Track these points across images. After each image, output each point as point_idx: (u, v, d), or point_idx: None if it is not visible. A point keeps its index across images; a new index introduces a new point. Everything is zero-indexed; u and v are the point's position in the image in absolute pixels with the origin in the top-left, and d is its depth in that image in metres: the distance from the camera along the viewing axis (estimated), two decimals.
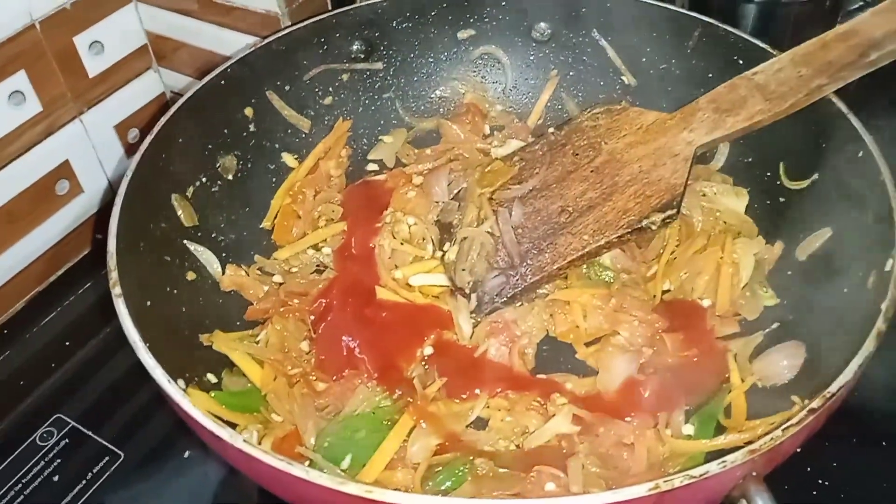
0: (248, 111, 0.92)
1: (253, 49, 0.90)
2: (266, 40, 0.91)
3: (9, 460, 0.81)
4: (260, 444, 0.67)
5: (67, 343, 0.93)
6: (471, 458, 0.69)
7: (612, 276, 0.84)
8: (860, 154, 0.74)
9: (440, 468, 0.68)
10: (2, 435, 0.84)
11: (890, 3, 0.76)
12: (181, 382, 0.66)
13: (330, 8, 1.03)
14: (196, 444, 0.79)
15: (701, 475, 0.53)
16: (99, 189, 1.07)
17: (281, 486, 0.58)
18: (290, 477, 0.53)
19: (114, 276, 0.66)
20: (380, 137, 1.01)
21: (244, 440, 0.54)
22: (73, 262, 1.05)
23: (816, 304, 0.76)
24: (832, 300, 0.73)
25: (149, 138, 0.80)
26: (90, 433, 0.84)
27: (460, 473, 0.67)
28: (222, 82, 0.88)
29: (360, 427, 0.71)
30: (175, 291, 0.78)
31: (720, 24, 0.89)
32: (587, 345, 0.81)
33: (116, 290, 0.66)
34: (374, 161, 1.01)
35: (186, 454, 0.80)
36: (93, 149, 1.05)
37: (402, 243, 0.88)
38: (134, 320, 0.64)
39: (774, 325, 0.79)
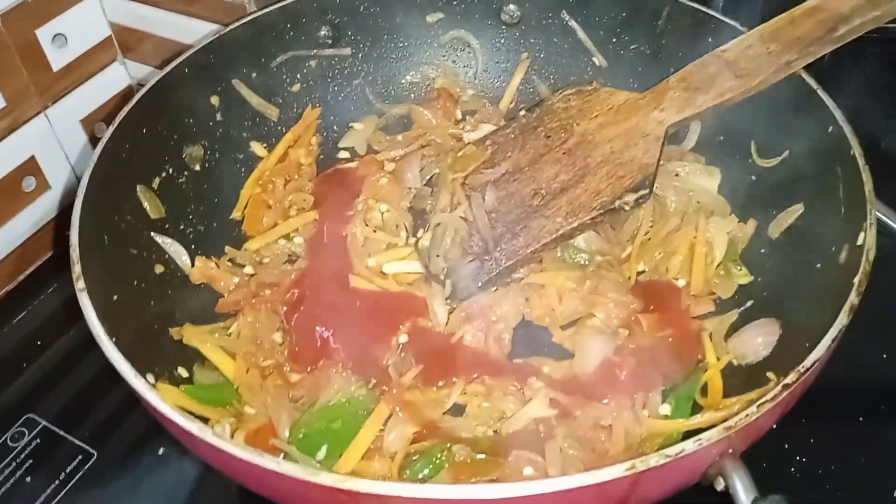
0: (215, 100, 0.90)
1: (217, 36, 0.88)
2: (230, 27, 0.89)
3: None
4: (233, 437, 0.67)
5: (38, 342, 0.92)
6: (448, 445, 0.69)
7: (586, 258, 0.84)
8: (830, 129, 0.74)
9: (417, 456, 0.68)
10: None
11: None
12: (150, 377, 0.65)
13: None
14: (170, 440, 0.78)
15: (677, 454, 0.53)
16: (67, 184, 1.05)
17: (255, 479, 0.57)
18: (263, 470, 0.52)
19: (77, 269, 0.65)
20: (350, 124, 1.00)
21: (214, 433, 0.53)
22: (42, 260, 1.03)
23: (790, 280, 0.77)
24: (805, 276, 0.74)
25: (110, 129, 0.78)
26: (62, 433, 0.82)
27: (438, 461, 0.67)
28: (186, 70, 0.86)
29: (335, 417, 0.70)
30: (143, 285, 0.77)
31: (689, 3, 0.88)
32: (563, 328, 0.81)
33: (80, 285, 0.64)
34: (345, 149, 0.99)
35: (161, 451, 0.79)
36: (59, 144, 1.03)
37: (374, 231, 0.87)
38: (100, 315, 0.62)
39: (749, 303, 0.79)
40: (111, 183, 0.76)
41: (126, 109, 0.80)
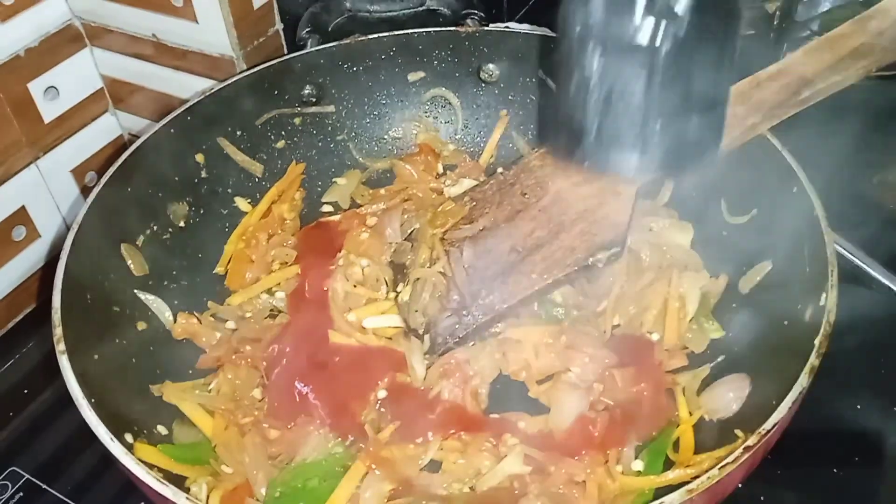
0: (200, 157, 0.92)
1: (203, 97, 0.91)
2: (215, 88, 0.92)
3: None
4: (209, 496, 0.67)
5: (24, 392, 0.92)
6: (424, 502, 0.69)
7: (562, 312, 0.85)
8: (794, 190, 0.76)
9: None
10: None
11: (820, 43, 0.79)
12: (129, 436, 0.66)
13: (286, 50, 1.04)
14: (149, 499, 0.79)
15: None
16: (57, 233, 1.06)
17: None
18: None
19: (58, 332, 0.66)
20: (333, 179, 1.02)
21: (187, 498, 0.54)
22: (30, 309, 1.04)
23: (760, 336, 0.78)
24: (774, 333, 0.75)
25: (96, 189, 0.80)
26: (44, 486, 0.82)
27: None
28: (172, 130, 0.88)
29: (311, 475, 0.71)
30: (124, 342, 0.78)
31: None
32: (539, 382, 0.82)
33: (60, 347, 0.65)
34: (328, 203, 1.01)
35: None
36: (49, 193, 1.05)
37: (355, 286, 0.88)
38: (79, 376, 0.63)
39: (721, 358, 0.80)
40: (95, 243, 0.78)
41: (112, 170, 0.82)
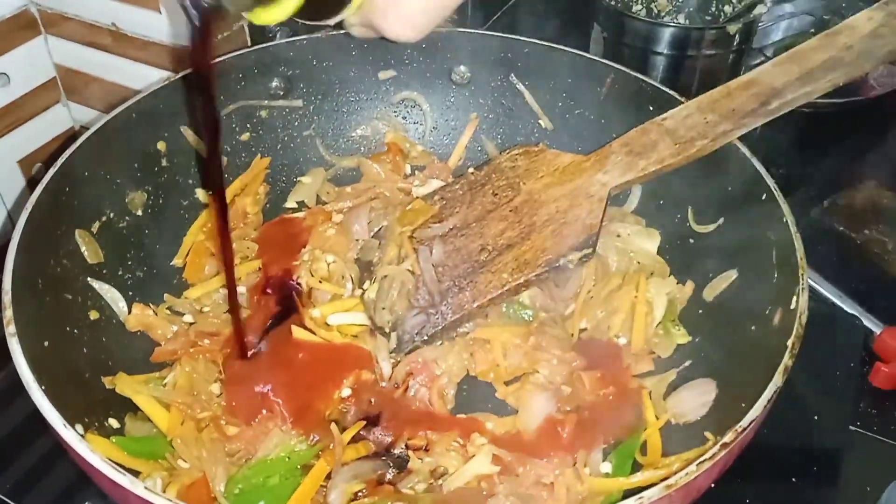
0: (161, 145, 0.89)
1: (167, 82, 0.88)
2: (181, 73, 0.89)
3: None
4: (164, 491, 0.64)
5: None
6: (389, 502, 0.67)
7: (531, 314, 0.85)
8: (763, 197, 0.78)
9: None
10: None
11: (788, 55, 0.81)
12: (79, 427, 0.62)
13: (250, 44, 1.02)
14: (96, 495, 0.74)
15: None
16: (0, 224, 1.03)
17: None
18: None
19: (8, 314, 0.62)
20: (298, 178, 0.99)
21: (146, 487, 0.51)
22: None
23: (727, 341, 0.78)
24: (741, 338, 0.76)
25: (52, 171, 0.76)
26: None
27: None
28: (133, 115, 0.85)
29: (272, 472, 0.68)
30: (76, 331, 0.74)
31: (631, 72, 0.92)
32: (507, 384, 0.81)
33: (10, 329, 0.61)
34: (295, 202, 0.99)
35: None
36: None
37: (320, 281, 0.86)
38: (29, 362, 0.60)
39: (687, 363, 0.80)
40: (49, 225, 0.74)
41: (69, 151, 0.79)
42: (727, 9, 1.25)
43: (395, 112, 1.03)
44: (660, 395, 0.79)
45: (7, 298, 0.63)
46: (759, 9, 1.20)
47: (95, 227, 0.81)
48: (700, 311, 0.84)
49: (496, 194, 0.87)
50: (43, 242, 0.73)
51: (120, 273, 0.82)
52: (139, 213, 0.86)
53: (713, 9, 1.26)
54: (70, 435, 0.55)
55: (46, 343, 0.66)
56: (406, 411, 0.76)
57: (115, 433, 0.69)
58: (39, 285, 0.71)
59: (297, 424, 0.73)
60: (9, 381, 0.85)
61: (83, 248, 0.78)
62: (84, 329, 0.75)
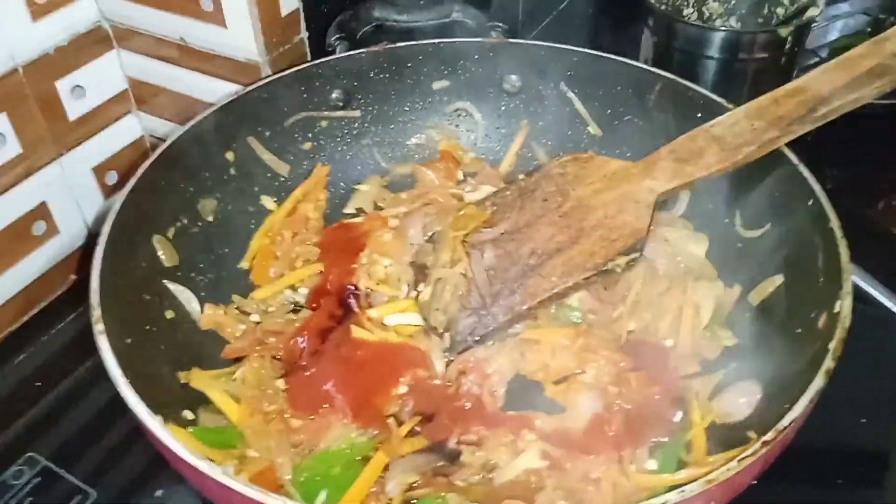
0: (230, 155, 0.95)
1: (236, 96, 0.93)
2: (249, 87, 0.95)
3: None
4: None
5: (39, 383, 0.94)
6: (443, 494, 0.71)
7: (579, 316, 0.87)
8: (810, 203, 0.79)
9: (415, 502, 0.70)
10: None
11: (837, 62, 0.82)
12: (159, 419, 0.68)
13: (309, 57, 1.07)
14: (168, 482, 0.80)
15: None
16: (75, 230, 1.08)
17: None
18: None
19: (97, 313, 0.68)
20: (355, 186, 1.04)
21: (224, 472, 0.55)
22: (47, 302, 1.05)
23: (772, 344, 0.80)
24: (786, 340, 0.77)
25: (132, 181, 0.82)
26: (62, 472, 0.83)
27: None
28: (205, 127, 0.91)
29: (334, 463, 0.72)
30: (154, 329, 0.80)
31: (680, 80, 0.94)
32: (555, 383, 0.83)
33: (99, 327, 0.67)
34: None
35: (159, 493, 0.80)
36: (70, 190, 1.06)
37: (377, 284, 0.90)
38: (116, 357, 0.65)
39: (733, 365, 0.82)
40: (130, 232, 0.80)
41: (148, 162, 0.84)
42: (780, 11, 1.24)
43: (448, 121, 1.07)
44: (705, 396, 0.80)
45: (96, 298, 0.69)
46: (812, 11, 1.19)
47: (171, 232, 0.87)
48: (746, 315, 0.85)
49: (546, 200, 0.90)
50: (125, 248, 0.79)
51: (193, 275, 0.88)
52: (210, 218, 0.92)
53: (766, 11, 1.25)
54: (154, 424, 0.61)
55: (128, 340, 0.72)
56: (459, 408, 0.79)
57: (189, 424, 0.75)
58: (122, 287, 0.76)
59: (357, 419, 0.78)
60: (85, 375, 0.93)
61: (160, 252, 0.84)
62: (161, 327, 0.81)
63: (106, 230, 0.76)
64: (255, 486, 0.55)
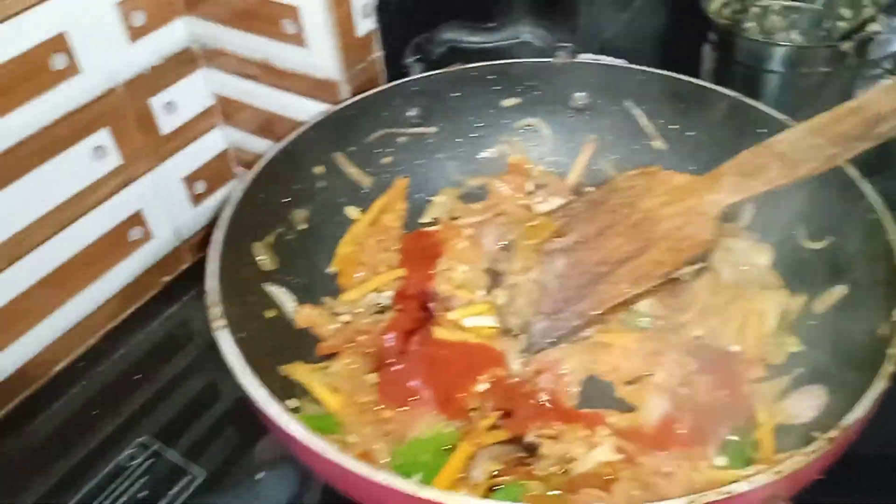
0: (319, 169, 1.02)
1: (325, 116, 1.01)
2: (336, 107, 1.02)
3: (95, 481, 0.89)
4: None
5: (138, 376, 1.01)
6: (524, 482, 0.77)
7: (647, 322, 0.92)
8: (869, 215, 0.82)
9: (497, 489, 0.76)
10: (87, 458, 0.92)
11: (894, 82, 0.85)
12: (283, 406, 0.74)
13: (385, 74, 1.13)
14: (270, 465, 0.87)
15: (732, 492, 0.60)
16: (166, 236, 1.15)
17: (368, 494, 0.66)
18: (374, 484, 0.62)
19: (216, 311, 0.76)
20: (430, 198, 1.10)
21: (339, 450, 0.62)
22: (142, 302, 1.13)
23: (836, 350, 0.83)
24: (850, 347, 0.80)
25: (238, 194, 0.90)
26: (172, 456, 0.91)
27: (516, 494, 0.75)
28: (298, 145, 0.98)
29: (425, 451, 0.79)
30: (259, 327, 0.86)
31: (743, 98, 0.97)
32: (626, 384, 0.88)
33: (220, 323, 0.75)
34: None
35: (260, 475, 0.88)
36: (163, 199, 1.13)
37: (455, 288, 0.97)
38: (239, 349, 0.73)
39: (799, 370, 0.85)
40: (236, 240, 0.87)
41: (250, 177, 0.92)
42: (841, 24, 1.22)
43: (518, 136, 1.12)
44: (772, 399, 0.83)
45: (214, 297, 0.77)
46: (874, 26, 1.19)
47: (270, 239, 0.94)
48: (812, 322, 0.88)
49: (614, 212, 0.94)
50: (232, 254, 0.86)
51: (289, 278, 0.95)
52: (302, 227, 0.99)
53: (827, 25, 1.23)
54: (275, 409, 0.68)
55: (242, 335, 0.79)
56: (536, 405, 0.85)
57: (294, 412, 0.81)
58: (231, 289, 0.83)
59: (443, 412, 0.84)
60: (182, 365, 1.02)
61: (261, 258, 0.92)
62: (263, 325, 0.88)
63: (219, 238, 0.84)
64: (364, 463, 0.61)
